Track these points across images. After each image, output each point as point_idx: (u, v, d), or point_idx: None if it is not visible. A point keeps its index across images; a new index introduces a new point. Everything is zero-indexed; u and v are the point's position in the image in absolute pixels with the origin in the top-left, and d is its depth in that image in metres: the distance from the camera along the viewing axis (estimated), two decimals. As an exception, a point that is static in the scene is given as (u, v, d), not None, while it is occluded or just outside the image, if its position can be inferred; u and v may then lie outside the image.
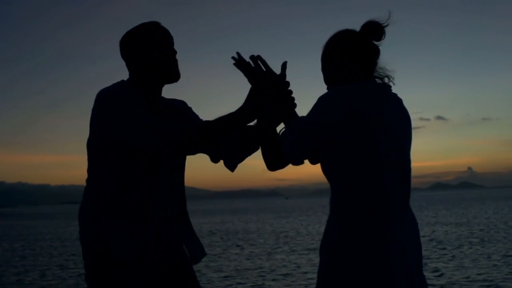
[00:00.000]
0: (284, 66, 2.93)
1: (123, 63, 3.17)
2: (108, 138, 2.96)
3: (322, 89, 2.84)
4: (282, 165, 2.87)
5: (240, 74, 2.99)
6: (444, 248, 20.81)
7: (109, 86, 3.02)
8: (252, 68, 2.91)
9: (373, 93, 2.72)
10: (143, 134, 2.81)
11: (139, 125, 2.82)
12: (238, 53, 2.94)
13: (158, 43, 3.03)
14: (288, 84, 2.91)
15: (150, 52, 3.02)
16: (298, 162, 2.74)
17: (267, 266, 17.72)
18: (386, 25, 2.83)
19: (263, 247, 24.50)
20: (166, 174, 3.07)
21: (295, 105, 2.91)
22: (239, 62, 2.94)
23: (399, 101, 2.84)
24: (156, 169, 3.01)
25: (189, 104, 3.33)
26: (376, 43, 2.86)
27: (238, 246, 25.29)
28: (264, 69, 2.92)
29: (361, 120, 2.61)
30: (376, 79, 2.88)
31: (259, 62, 2.92)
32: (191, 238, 3.24)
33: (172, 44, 3.09)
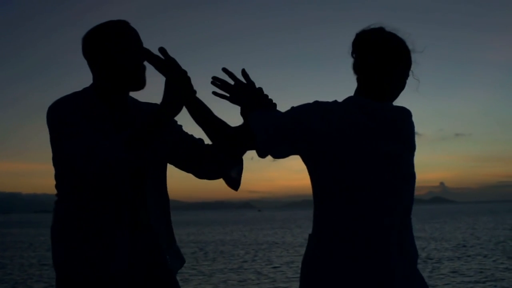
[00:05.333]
0: (244, 73, 2.83)
1: None
2: (55, 153, 2.81)
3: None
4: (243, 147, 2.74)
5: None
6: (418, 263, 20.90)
7: (60, 98, 2.79)
8: (233, 86, 2.84)
9: (350, 109, 2.55)
10: (76, 156, 2.59)
11: (72, 146, 2.62)
12: (214, 77, 2.85)
13: (127, 46, 2.77)
14: (261, 89, 2.81)
15: (119, 55, 2.76)
16: (270, 146, 2.56)
17: (243, 279, 17.69)
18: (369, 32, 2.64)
19: (238, 259, 24.43)
20: (126, 193, 2.81)
21: (275, 105, 2.82)
22: (220, 81, 2.85)
23: (399, 115, 2.65)
24: (111, 187, 2.76)
25: None
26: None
27: (213, 258, 25.20)
28: (233, 82, 2.84)
29: (330, 138, 2.48)
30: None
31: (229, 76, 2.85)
32: (173, 248, 3.05)
33: (141, 47, 2.80)
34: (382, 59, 2.60)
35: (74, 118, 2.69)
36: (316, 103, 2.58)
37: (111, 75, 2.78)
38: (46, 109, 2.76)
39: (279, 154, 2.60)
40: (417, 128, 2.70)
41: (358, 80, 2.66)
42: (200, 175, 3.12)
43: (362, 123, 2.53)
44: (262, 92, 2.81)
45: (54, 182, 2.89)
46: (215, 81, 2.87)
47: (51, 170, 2.88)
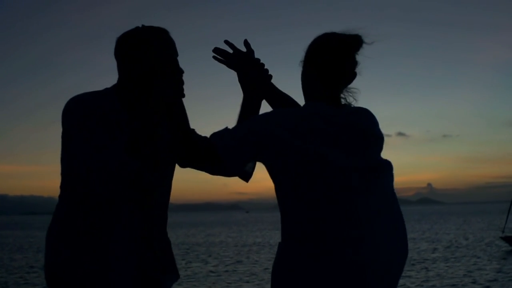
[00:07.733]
0: (246, 42, 2.89)
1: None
2: (63, 151, 2.71)
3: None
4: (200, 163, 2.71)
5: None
6: (413, 264, 20.95)
7: (80, 94, 2.69)
8: (231, 54, 2.90)
9: (308, 115, 2.56)
10: (82, 172, 2.55)
11: (82, 158, 2.55)
12: (217, 48, 2.91)
13: (167, 57, 2.69)
14: (259, 59, 2.86)
15: (158, 64, 2.67)
16: (232, 167, 2.58)
17: (235, 280, 17.72)
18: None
19: (230, 260, 24.47)
20: (132, 202, 2.72)
21: (271, 77, 2.90)
22: (220, 51, 2.91)
23: (358, 117, 2.67)
24: (116, 194, 2.65)
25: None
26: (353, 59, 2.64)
27: (204, 260, 25.22)
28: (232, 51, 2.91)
29: (283, 146, 2.50)
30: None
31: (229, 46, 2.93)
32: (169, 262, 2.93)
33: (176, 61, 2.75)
34: (341, 64, 2.63)
35: (89, 123, 2.60)
36: (275, 110, 2.65)
37: (143, 83, 2.68)
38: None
39: (239, 163, 2.60)
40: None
41: (313, 84, 2.67)
42: (208, 171, 2.94)
43: (321, 129, 2.54)
44: (259, 61, 2.88)
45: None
46: (216, 49, 2.92)
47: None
